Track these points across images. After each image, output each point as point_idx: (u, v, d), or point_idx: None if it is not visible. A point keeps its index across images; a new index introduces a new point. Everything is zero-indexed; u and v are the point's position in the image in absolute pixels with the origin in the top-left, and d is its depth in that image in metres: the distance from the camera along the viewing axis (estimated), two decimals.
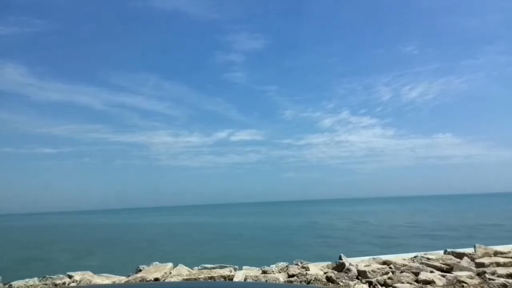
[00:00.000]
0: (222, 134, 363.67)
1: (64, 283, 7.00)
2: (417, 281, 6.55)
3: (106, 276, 7.40)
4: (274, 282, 6.43)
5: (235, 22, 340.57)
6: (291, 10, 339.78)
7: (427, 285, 6.39)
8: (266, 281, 6.59)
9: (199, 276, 6.97)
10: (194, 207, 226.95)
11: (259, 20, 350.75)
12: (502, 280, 6.26)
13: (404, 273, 6.82)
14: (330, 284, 6.66)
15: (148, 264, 7.65)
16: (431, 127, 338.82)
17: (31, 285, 6.95)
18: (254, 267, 7.62)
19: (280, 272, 7.20)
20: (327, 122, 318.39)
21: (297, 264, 7.64)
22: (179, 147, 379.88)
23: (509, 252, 8.01)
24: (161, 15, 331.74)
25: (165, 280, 6.72)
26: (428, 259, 7.84)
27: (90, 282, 6.97)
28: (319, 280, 6.71)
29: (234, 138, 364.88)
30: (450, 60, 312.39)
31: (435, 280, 6.49)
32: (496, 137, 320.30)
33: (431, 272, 6.99)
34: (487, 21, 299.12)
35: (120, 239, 38.96)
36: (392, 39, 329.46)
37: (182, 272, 7.41)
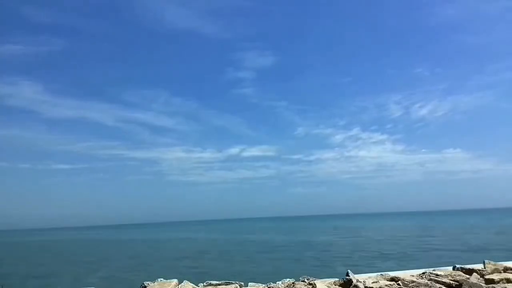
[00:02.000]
0: (234, 150, 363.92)
1: None
2: None
3: None
4: None
5: (246, 40, 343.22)
6: (301, 30, 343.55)
7: None
8: None
9: None
10: (201, 222, 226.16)
11: (270, 38, 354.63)
12: None
13: None
14: None
15: (152, 281, 7.62)
16: (440, 143, 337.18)
17: None
18: (260, 284, 7.53)
19: None
20: (338, 138, 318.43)
21: (303, 281, 7.54)
22: (190, 163, 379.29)
23: None
24: (173, 33, 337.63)
25: None
26: (437, 275, 7.69)
27: None
28: None
29: (245, 153, 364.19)
30: (459, 78, 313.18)
31: None
32: (505, 151, 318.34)
33: None
34: (495, 38, 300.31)
35: (126, 255, 38.83)
36: (404, 61, 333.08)
37: None
